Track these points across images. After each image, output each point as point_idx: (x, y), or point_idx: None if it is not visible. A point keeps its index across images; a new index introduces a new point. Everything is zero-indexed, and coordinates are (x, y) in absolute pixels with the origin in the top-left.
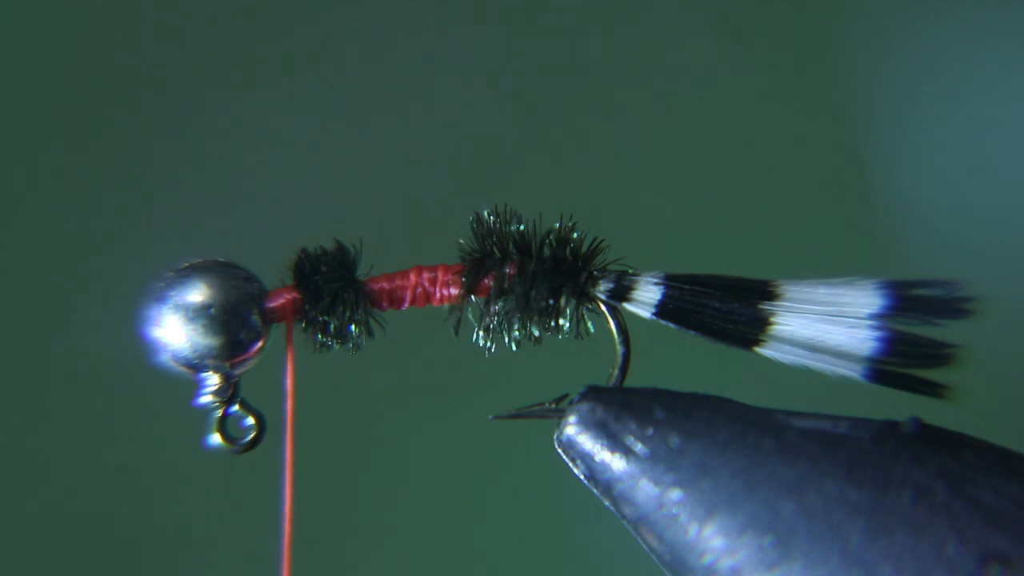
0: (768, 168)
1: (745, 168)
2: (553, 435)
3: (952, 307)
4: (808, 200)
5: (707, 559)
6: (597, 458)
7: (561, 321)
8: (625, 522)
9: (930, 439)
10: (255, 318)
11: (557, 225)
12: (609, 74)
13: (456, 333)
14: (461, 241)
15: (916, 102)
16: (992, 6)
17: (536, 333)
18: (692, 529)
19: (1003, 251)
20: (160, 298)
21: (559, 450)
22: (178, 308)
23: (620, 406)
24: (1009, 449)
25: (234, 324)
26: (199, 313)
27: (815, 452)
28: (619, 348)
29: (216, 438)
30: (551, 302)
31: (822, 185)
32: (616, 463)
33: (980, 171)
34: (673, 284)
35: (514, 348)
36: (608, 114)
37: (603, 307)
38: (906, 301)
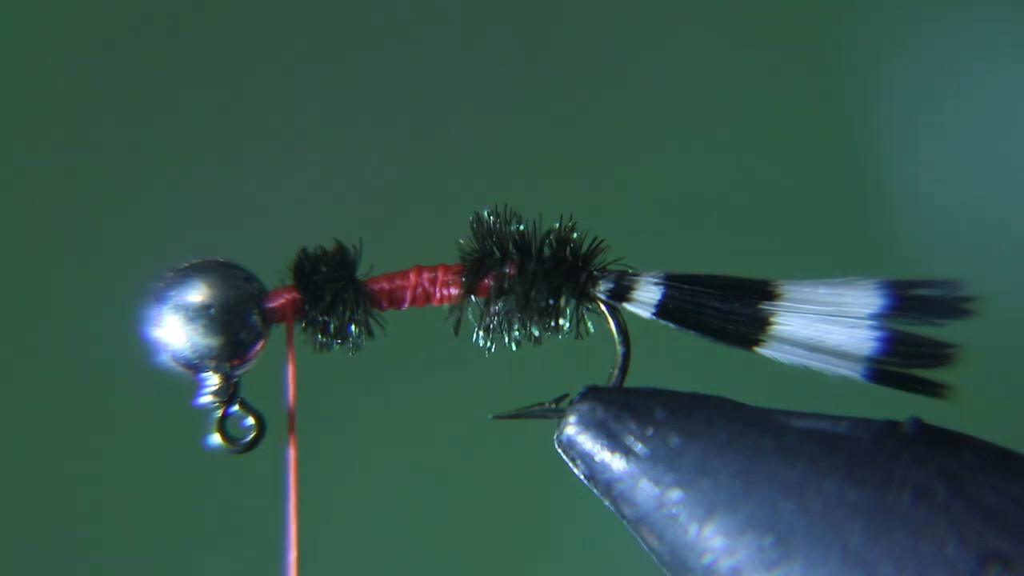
0: (768, 167)
1: (745, 167)
2: (553, 435)
3: (953, 307)
4: (809, 200)
5: (707, 559)
6: (597, 458)
7: (561, 321)
8: (625, 522)
9: (930, 439)
10: (255, 318)
11: (557, 225)
12: (610, 73)
13: (456, 333)
14: (461, 241)
15: (918, 100)
16: (995, 6)
17: (536, 333)
18: (692, 529)
19: (1004, 250)
20: (160, 298)
21: (559, 450)
22: (178, 308)
23: (620, 406)
24: (1009, 449)
25: (234, 324)
26: (199, 313)
27: (815, 452)
28: (619, 348)
29: (216, 438)
30: (551, 302)
31: (822, 184)
32: (616, 463)
33: (982, 170)
34: (673, 284)
35: (514, 348)
36: (608, 113)
37: (603, 307)
38: (906, 301)
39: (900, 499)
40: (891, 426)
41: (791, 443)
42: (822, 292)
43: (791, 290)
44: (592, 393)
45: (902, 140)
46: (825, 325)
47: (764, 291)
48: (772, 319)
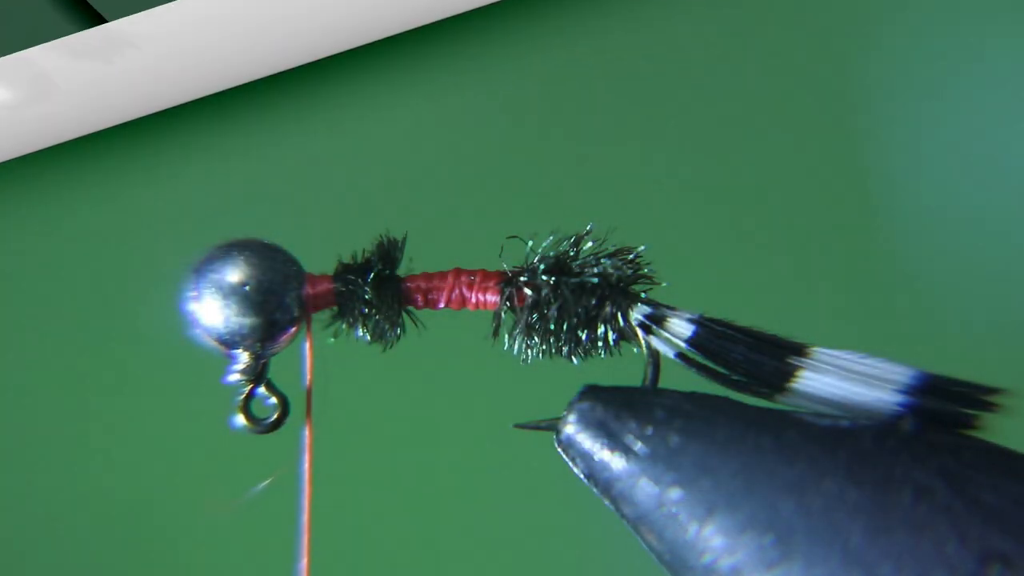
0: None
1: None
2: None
3: (980, 402)
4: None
5: (707, 558)
6: (596, 457)
7: (596, 336)
8: (624, 521)
9: (930, 438)
10: (290, 301)
11: (607, 246)
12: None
13: (495, 337)
14: (501, 260)
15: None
16: (999, 7)
17: (566, 350)
18: (692, 528)
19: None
20: (199, 272)
21: (559, 449)
22: (215, 284)
23: (620, 405)
24: (1009, 449)
25: (269, 305)
26: (235, 290)
27: (815, 451)
28: (649, 371)
29: (240, 419)
30: (586, 317)
31: (828, 191)
32: (615, 462)
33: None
34: (707, 324)
35: (547, 359)
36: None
37: (638, 331)
38: (936, 391)
39: (900, 498)
40: (891, 425)
41: (791, 442)
42: (851, 359)
43: (821, 353)
44: (591, 392)
45: (904, 139)
46: (849, 385)
47: (795, 348)
48: (796, 373)
